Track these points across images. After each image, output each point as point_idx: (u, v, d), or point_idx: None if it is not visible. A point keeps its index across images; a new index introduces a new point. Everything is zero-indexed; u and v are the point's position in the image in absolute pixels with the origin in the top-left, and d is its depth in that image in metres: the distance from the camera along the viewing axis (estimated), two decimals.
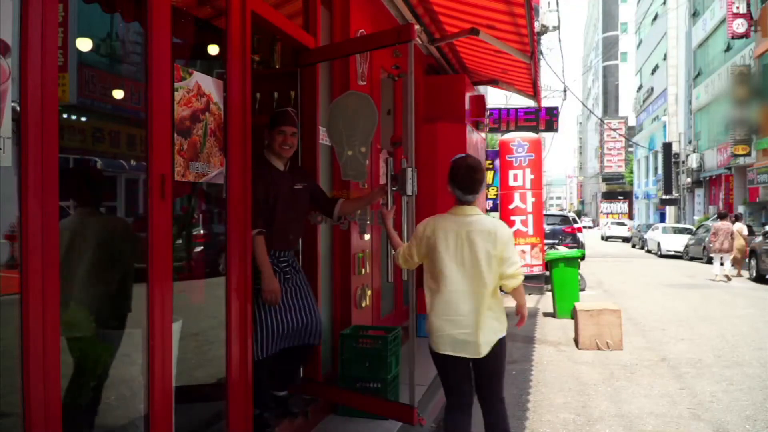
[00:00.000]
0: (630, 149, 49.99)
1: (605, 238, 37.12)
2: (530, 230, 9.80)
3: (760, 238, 14.28)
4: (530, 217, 9.81)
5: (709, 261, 16.16)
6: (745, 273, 14.85)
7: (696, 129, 30.26)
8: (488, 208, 10.62)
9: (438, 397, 4.62)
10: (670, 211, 35.10)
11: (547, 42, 49.88)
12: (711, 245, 14.46)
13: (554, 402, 4.74)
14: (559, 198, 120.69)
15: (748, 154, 21.92)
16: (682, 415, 4.42)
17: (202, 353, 3.36)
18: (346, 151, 3.54)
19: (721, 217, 14.98)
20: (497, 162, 10.20)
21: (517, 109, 12.92)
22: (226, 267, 2.84)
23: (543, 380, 5.36)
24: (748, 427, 4.18)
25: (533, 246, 9.85)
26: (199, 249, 3.94)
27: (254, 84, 3.17)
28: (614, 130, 49.18)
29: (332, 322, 4.23)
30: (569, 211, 39.15)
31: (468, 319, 2.70)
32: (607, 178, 54.88)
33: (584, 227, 28.40)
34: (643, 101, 44.14)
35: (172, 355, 2.41)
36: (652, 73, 40.65)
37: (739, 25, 21.54)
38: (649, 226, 28.68)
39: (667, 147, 33.82)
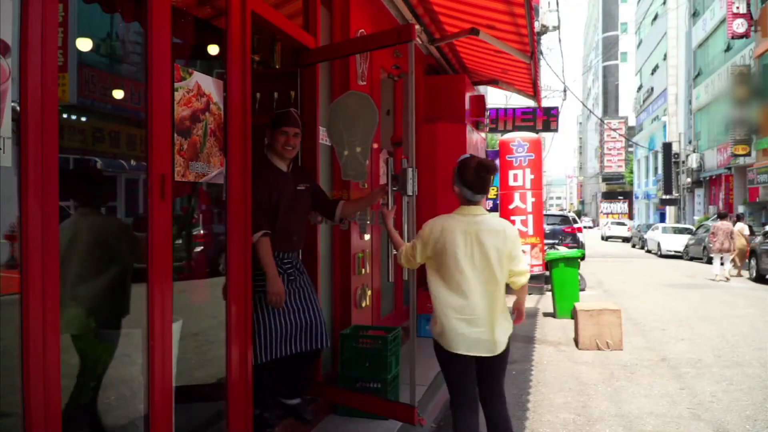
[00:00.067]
0: (630, 149, 50.00)
1: (605, 238, 37.13)
2: (530, 230, 9.79)
3: (760, 238, 14.28)
4: (530, 217, 9.80)
5: (709, 261, 16.16)
6: (745, 273, 14.85)
7: (696, 129, 30.27)
8: (488, 209, 10.63)
9: (438, 397, 4.62)
10: (670, 211, 35.10)
11: (547, 42, 49.89)
12: (711, 245, 14.47)
13: (554, 402, 4.74)
14: (559, 198, 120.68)
15: (748, 154, 21.92)
16: (682, 415, 4.43)
17: (202, 353, 3.36)
18: (347, 151, 3.54)
19: (721, 217, 14.98)
20: (497, 162, 10.19)
21: (514, 109, 12.92)
22: (226, 266, 2.84)
23: (543, 380, 5.36)
24: (748, 427, 4.18)
25: (533, 246, 9.84)
26: (199, 249, 3.94)
27: (254, 84, 3.17)
28: (614, 130, 49.18)
29: (332, 322, 4.23)
30: (569, 211, 39.15)
31: (483, 318, 2.72)
32: (607, 178, 54.89)
33: (584, 227, 28.40)
34: (643, 101, 44.14)
35: (172, 355, 2.41)
36: (652, 73, 40.65)
37: (739, 25, 21.54)
38: (649, 226, 28.68)
39: (667, 147, 33.83)
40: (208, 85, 2.69)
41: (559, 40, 16.93)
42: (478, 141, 7.79)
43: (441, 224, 2.77)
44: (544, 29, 15.42)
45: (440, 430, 4.04)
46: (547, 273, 9.20)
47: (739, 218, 15.63)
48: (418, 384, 3.39)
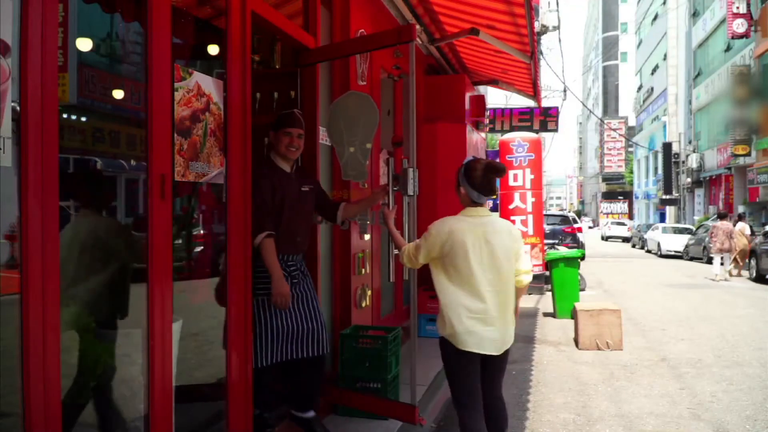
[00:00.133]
0: (630, 149, 50.00)
1: (605, 238, 37.13)
2: (530, 230, 9.79)
3: (760, 238, 14.28)
4: (530, 217, 9.81)
5: (709, 261, 16.17)
6: (745, 273, 14.85)
7: (696, 129, 30.27)
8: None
9: (438, 396, 4.62)
10: (670, 211, 35.10)
11: (547, 42, 49.91)
12: (711, 245, 14.48)
13: (554, 402, 4.74)
14: (559, 198, 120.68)
15: (748, 154, 21.92)
16: (682, 415, 4.43)
17: (202, 353, 3.36)
18: (347, 151, 3.53)
19: (721, 217, 14.99)
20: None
21: (511, 109, 12.89)
22: (225, 266, 2.84)
23: (543, 380, 5.36)
24: (748, 427, 4.18)
25: (533, 246, 9.85)
26: (199, 249, 3.94)
27: (254, 84, 3.16)
28: (614, 130, 49.18)
29: (332, 322, 4.23)
30: (569, 211, 39.15)
31: (496, 317, 2.77)
32: (607, 178, 54.88)
33: (587, 227, 28.38)
34: (643, 101, 44.14)
35: (172, 355, 2.41)
36: (652, 73, 40.65)
37: (739, 25, 21.54)
38: (649, 226, 28.69)
39: (667, 147, 33.83)
40: (208, 85, 2.69)
41: (559, 40, 16.95)
42: (478, 141, 7.79)
43: (449, 226, 2.78)
44: (544, 29, 15.42)
45: (440, 430, 4.04)
46: (547, 273, 9.20)
47: (741, 218, 15.62)
48: (418, 384, 3.39)
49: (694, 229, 22.77)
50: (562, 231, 16.65)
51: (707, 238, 16.89)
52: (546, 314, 8.95)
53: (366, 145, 3.51)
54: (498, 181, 3.19)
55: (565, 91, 18.61)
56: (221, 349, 2.89)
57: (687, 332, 7.67)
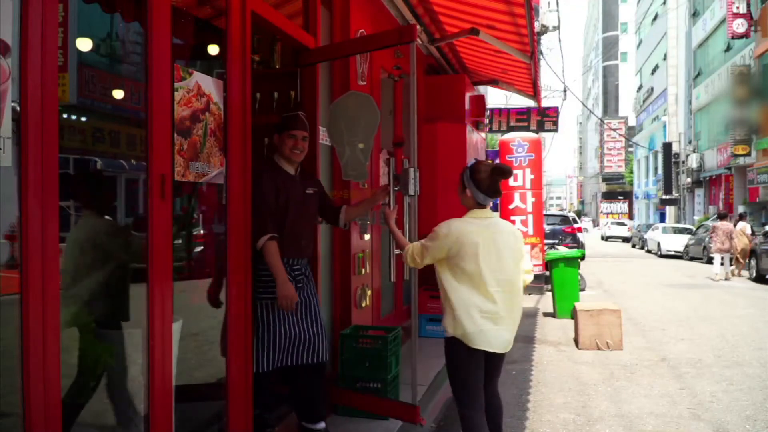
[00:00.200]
0: (630, 149, 49.99)
1: (605, 238, 37.13)
2: (530, 230, 9.79)
3: (760, 238, 14.29)
4: (530, 217, 9.81)
5: (709, 261, 16.17)
6: (745, 273, 14.86)
7: (696, 129, 30.27)
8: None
9: (438, 396, 4.62)
10: (670, 211, 35.10)
11: (547, 42, 49.88)
12: (711, 245, 14.48)
13: (554, 402, 4.74)
14: (559, 198, 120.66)
15: (748, 154, 21.92)
16: (682, 415, 4.43)
17: (202, 353, 3.36)
18: (347, 151, 3.53)
19: (721, 217, 14.99)
20: (497, 162, 10.20)
21: (508, 109, 12.86)
22: (226, 266, 2.84)
23: (543, 380, 5.36)
24: (748, 427, 4.18)
25: (533, 246, 9.85)
26: (199, 249, 3.94)
27: (254, 84, 3.16)
28: (614, 130, 49.17)
29: (332, 322, 4.23)
30: (569, 211, 39.15)
31: (506, 317, 2.83)
32: (607, 178, 54.88)
33: (585, 228, 28.35)
34: (643, 101, 44.14)
35: (172, 355, 2.41)
36: (652, 73, 40.65)
37: (739, 25, 21.54)
38: (649, 226, 28.69)
39: (667, 147, 33.82)
40: (208, 85, 2.69)
41: (559, 40, 16.95)
42: (478, 141, 7.79)
43: (457, 228, 2.81)
44: (544, 29, 15.42)
45: (440, 430, 4.04)
46: (547, 273, 9.20)
47: (742, 217, 15.61)
48: (418, 384, 3.39)
49: (694, 229, 22.77)
50: (562, 231, 16.66)
51: (707, 238, 16.89)
52: (546, 314, 8.95)
53: (366, 145, 3.51)
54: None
55: (565, 91, 18.62)
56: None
57: (687, 332, 7.67)
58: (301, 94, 3.99)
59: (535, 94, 9.17)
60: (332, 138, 3.64)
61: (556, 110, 12.77)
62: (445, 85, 6.76)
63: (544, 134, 13.68)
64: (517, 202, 9.71)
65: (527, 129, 11.87)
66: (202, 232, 3.87)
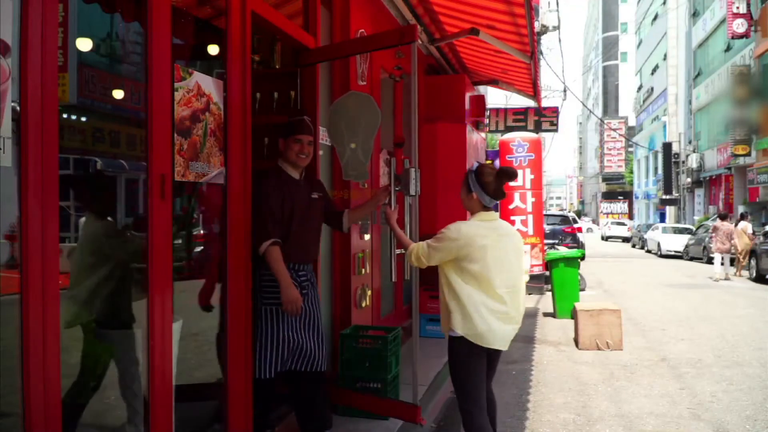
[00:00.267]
0: (630, 149, 49.99)
1: (605, 238, 37.13)
2: (530, 230, 9.81)
3: (760, 238, 14.29)
4: (530, 217, 9.82)
5: (710, 261, 16.16)
6: (745, 273, 14.86)
7: (696, 129, 30.27)
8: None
9: (438, 396, 4.63)
10: (670, 211, 35.10)
11: (547, 42, 49.88)
12: (711, 245, 14.49)
13: (554, 402, 4.74)
14: (559, 198, 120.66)
15: (748, 154, 21.92)
16: (682, 415, 4.43)
17: (202, 353, 3.35)
18: (348, 151, 3.52)
19: (722, 218, 14.99)
20: (497, 162, 10.20)
21: (506, 109, 12.82)
22: (226, 265, 2.84)
23: (543, 380, 5.36)
24: (748, 427, 4.18)
25: (533, 246, 9.86)
26: (199, 249, 3.94)
27: (254, 84, 3.16)
28: (614, 130, 49.17)
29: (332, 322, 4.23)
30: (569, 211, 39.14)
31: (514, 316, 2.92)
32: (607, 178, 54.88)
33: (591, 228, 28.26)
34: (643, 101, 44.14)
35: (172, 355, 2.41)
36: (652, 73, 40.64)
37: (739, 25, 21.54)
38: (649, 226, 28.69)
39: (667, 147, 33.83)
40: (208, 85, 2.69)
41: (559, 40, 16.95)
42: (478, 141, 7.79)
43: (467, 232, 2.85)
44: (544, 29, 15.42)
45: (440, 430, 4.04)
46: (547, 273, 9.20)
47: (743, 217, 15.61)
48: (418, 384, 3.39)
49: (694, 229, 22.77)
50: (562, 231, 16.66)
51: (708, 238, 16.88)
52: (546, 314, 8.95)
53: (366, 145, 3.51)
54: None
55: (565, 91, 18.61)
56: (221, 350, 2.89)
57: (687, 332, 7.67)
58: (301, 94, 3.98)
59: (535, 94, 9.17)
60: (332, 138, 3.64)
61: (553, 110, 12.70)
62: (445, 85, 6.76)
63: (544, 134, 13.63)
64: (517, 202, 9.72)
65: (524, 129, 11.83)
66: (202, 232, 3.87)
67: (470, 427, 2.86)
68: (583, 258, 9.71)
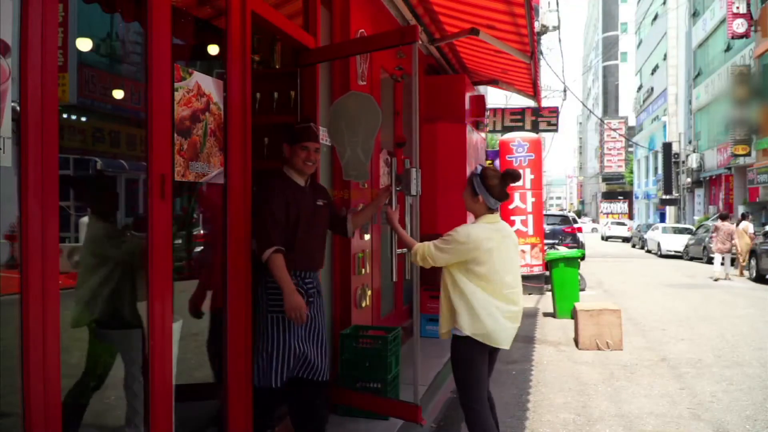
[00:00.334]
0: (630, 149, 49.98)
1: (605, 238, 37.14)
2: (530, 230, 9.81)
3: (760, 238, 14.29)
4: (530, 217, 9.82)
5: (710, 261, 16.15)
6: (745, 273, 14.86)
7: (696, 129, 30.26)
8: None
9: (438, 396, 4.62)
10: (670, 211, 35.10)
11: (547, 42, 49.89)
12: (711, 245, 14.49)
13: (554, 402, 4.74)
14: (559, 198, 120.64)
15: (748, 154, 21.92)
16: (682, 415, 4.43)
17: (202, 353, 3.35)
18: (348, 151, 3.52)
19: (723, 218, 14.99)
20: (497, 162, 10.20)
21: (503, 109, 12.79)
22: (226, 265, 2.84)
23: (543, 380, 5.36)
24: (748, 427, 4.18)
25: (533, 246, 9.86)
26: (199, 249, 3.93)
27: (254, 84, 3.16)
28: (614, 130, 49.16)
29: (332, 322, 4.23)
30: (569, 211, 39.14)
31: (519, 315, 3.01)
32: (607, 178, 54.87)
33: (594, 228, 28.20)
34: (643, 101, 44.14)
35: (172, 355, 2.41)
36: (652, 73, 40.64)
37: (739, 25, 21.54)
38: (649, 226, 28.69)
39: (667, 147, 33.82)
40: (208, 85, 2.69)
41: (559, 40, 16.95)
42: (478, 141, 7.80)
43: (476, 235, 2.89)
44: (544, 29, 15.41)
45: (440, 430, 4.04)
46: (547, 273, 9.20)
47: (744, 217, 15.61)
48: (419, 383, 3.39)
49: (694, 229, 22.77)
50: (562, 231, 16.66)
51: (708, 238, 16.88)
52: (546, 314, 8.95)
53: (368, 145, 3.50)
54: None
55: (565, 91, 18.61)
56: (221, 349, 2.89)
57: (687, 332, 7.67)
58: (301, 94, 3.98)
59: (535, 94, 9.16)
60: (333, 138, 3.64)
61: (552, 110, 12.64)
62: (445, 85, 6.76)
63: (544, 134, 13.60)
64: (517, 202, 9.72)
65: (522, 129, 11.79)
66: (202, 232, 3.87)
67: (475, 423, 2.89)
68: (583, 258, 9.71)
